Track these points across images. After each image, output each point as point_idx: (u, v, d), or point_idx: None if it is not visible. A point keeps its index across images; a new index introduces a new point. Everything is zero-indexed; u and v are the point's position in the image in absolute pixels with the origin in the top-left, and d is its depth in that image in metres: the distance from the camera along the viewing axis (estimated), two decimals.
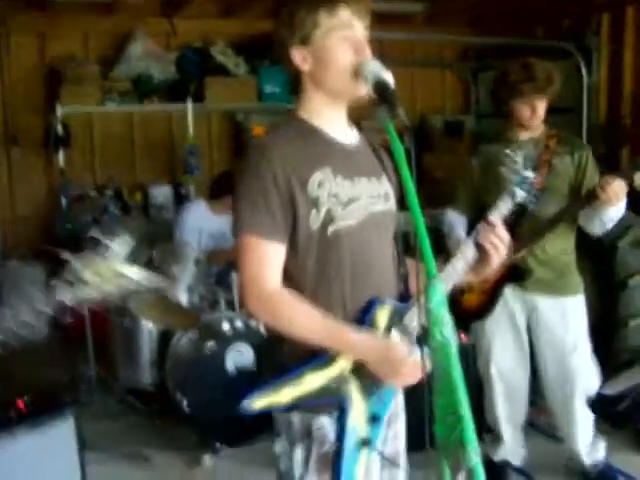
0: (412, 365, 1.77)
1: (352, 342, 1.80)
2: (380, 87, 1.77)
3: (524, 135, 3.26)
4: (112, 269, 1.43)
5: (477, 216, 3.28)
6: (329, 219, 1.82)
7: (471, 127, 7.56)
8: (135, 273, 1.64)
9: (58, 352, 4.49)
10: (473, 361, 3.73)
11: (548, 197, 3.16)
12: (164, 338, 4.07)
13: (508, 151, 2.13)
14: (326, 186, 1.83)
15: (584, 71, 5.95)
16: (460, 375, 1.49)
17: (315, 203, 1.81)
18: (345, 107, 1.96)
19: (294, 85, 1.95)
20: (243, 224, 1.82)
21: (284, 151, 1.82)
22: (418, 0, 6.46)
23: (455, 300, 3.37)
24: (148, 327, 4.12)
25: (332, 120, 1.94)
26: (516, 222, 3.16)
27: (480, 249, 1.94)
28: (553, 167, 3.20)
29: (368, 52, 1.86)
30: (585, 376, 3.30)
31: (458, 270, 1.92)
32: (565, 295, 3.30)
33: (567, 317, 3.30)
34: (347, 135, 1.97)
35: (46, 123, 6.00)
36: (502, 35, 6.68)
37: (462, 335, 3.72)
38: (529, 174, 2.10)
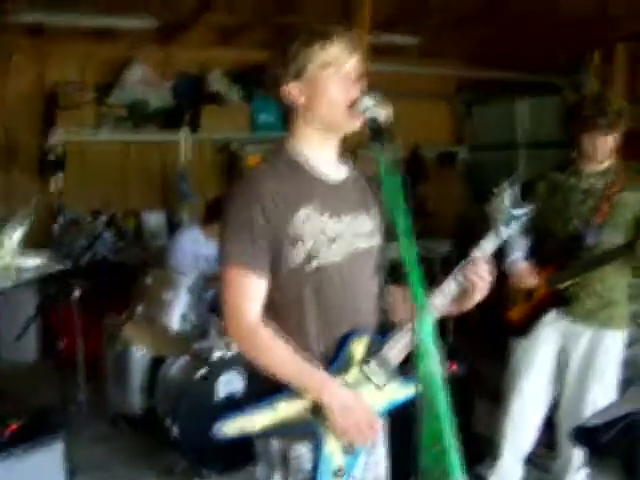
0: (368, 425, 1.82)
1: (322, 386, 1.82)
2: (374, 123, 1.81)
3: (593, 167, 3.29)
4: (8, 264, 1.45)
5: (537, 240, 3.35)
6: (312, 256, 1.85)
7: (464, 158, 7.65)
8: (31, 262, 1.64)
9: (49, 376, 4.49)
10: (468, 390, 3.79)
11: (610, 230, 3.20)
12: (155, 364, 4.07)
13: (496, 189, 2.10)
14: (311, 223, 1.86)
15: None
16: (446, 406, 1.52)
17: (299, 239, 1.85)
18: (337, 141, 1.99)
19: (287, 119, 1.99)
20: (228, 255, 1.85)
21: (272, 186, 1.85)
22: (414, 33, 6.57)
23: (498, 313, 3.47)
24: (140, 353, 4.12)
25: (323, 154, 1.96)
26: (573, 252, 3.23)
27: (462, 285, 1.96)
28: (617, 201, 3.22)
29: (361, 86, 1.89)
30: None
31: (436, 306, 1.94)
32: (607, 328, 3.32)
33: (602, 348, 3.32)
34: (337, 170, 2.00)
35: (43, 147, 6.04)
36: (496, 69, 6.79)
37: (454, 366, 3.75)
38: (519, 211, 2.08)
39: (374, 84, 1.94)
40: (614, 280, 3.30)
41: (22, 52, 6.01)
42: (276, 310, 1.89)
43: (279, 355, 1.83)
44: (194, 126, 6.43)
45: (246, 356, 1.89)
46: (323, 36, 1.88)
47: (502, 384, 3.55)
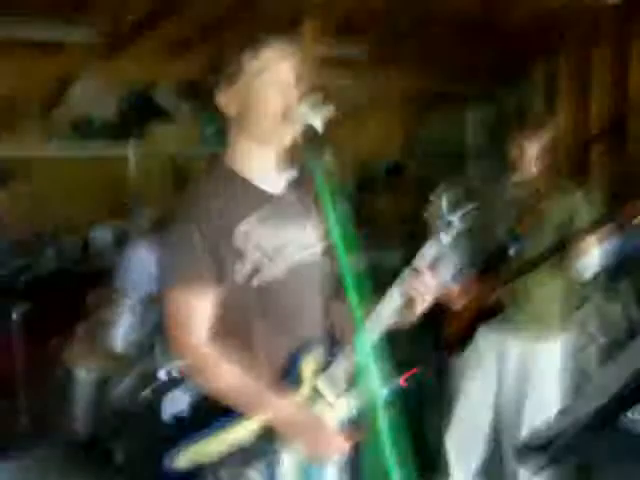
0: (333, 438, 1.75)
1: (274, 408, 1.76)
2: (310, 131, 1.76)
3: (517, 177, 3.29)
4: None
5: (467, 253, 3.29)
6: (255, 271, 1.80)
7: (413, 170, 7.66)
8: None
9: None
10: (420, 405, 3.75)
11: (534, 241, 3.19)
12: (99, 386, 3.97)
13: (432, 196, 2.07)
14: (252, 237, 1.81)
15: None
16: (388, 427, 1.47)
17: (241, 255, 1.79)
18: (274, 152, 1.93)
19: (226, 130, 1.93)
20: (171, 277, 1.80)
21: (210, 205, 1.80)
22: (360, 44, 6.56)
23: (440, 327, 3.38)
24: (82, 375, 4.01)
25: (260, 166, 1.91)
26: (497, 263, 3.20)
27: (406, 295, 1.91)
28: (540, 211, 3.21)
29: (295, 94, 1.84)
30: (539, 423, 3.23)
31: (383, 317, 1.88)
32: (539, 341, 3.28)
33: (535, 362, 3.28)
34: (275, 182, 1.94)
35: None
36: (443, 80, 6.81)
37: (403, 380, 3.70)
38: (454, 218, 2.04)
39: (320, 95, 1.89)
40: (541, 291, 3.26)
41: None
42: (223, 329, 1.82)
43: (228, 380, 1.77)
44: (142, 140, 6.34)
45: (193, 379, 1.83)
46: (255, 43, 1.83)
47: (443, 401, 3.51)
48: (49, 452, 4.20)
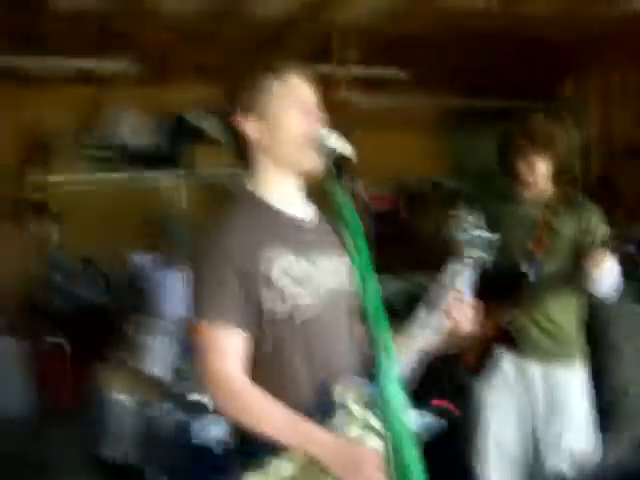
0: (376, 466, 1.66)
1: (318, 442, 1.69)
2: (336, 159, 1.74)
3: (528, 195, 3.22)
4: None
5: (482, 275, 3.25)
6: (291, 303, 1.76)
7: (454, 188, 7.59)
8: None
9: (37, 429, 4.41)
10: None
11: (550, 259, 3.12)
12: (137, 411, 3.98)
13: (456, 212, 2.01)
14: (286, 269, 1.77)
15: None
16: (416, 459, 1.42)
17: (276, 288, 1.75)
18: (299, 180, 1.91)
19: (241, 157, 1.91)
20: (204, 312, 1.75)
21: (240, 238, 1.76)
22: (398, 66, 6.55)
23: (456, 355, 3.26)
24: (120, 400, 4.02)
25: (286, 195, 1.88)
26: (513, 283, 3.12)
27: (447, 316, 1.87)
28: (553, 229, 3.14)
29: (319, 119, 1.82)
30: (578, 454, 3.12)
31: (427, 338, 1.85)
32: (564, 365, 3.19)
33: (559, 385, 3.18)
34: (303, 211, 1.92)
35: (26, 193, 5.97)
36: (479, 97, 6.77)
37: (451, 407, 3.61)
38: (484, 233, 1.99)
39: (356, 117, 1.88)
40: (559, 313, 3.17)
41: (3, 96, 5.95)
42: (256, 366, 1.78)
43: (270, 417, 1.70)
44: (184, 166, 6.38)
45: (233, 419, 1.75)
46: (278, 68, 1.83)
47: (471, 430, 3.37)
48: (87, 476, 4.23)
